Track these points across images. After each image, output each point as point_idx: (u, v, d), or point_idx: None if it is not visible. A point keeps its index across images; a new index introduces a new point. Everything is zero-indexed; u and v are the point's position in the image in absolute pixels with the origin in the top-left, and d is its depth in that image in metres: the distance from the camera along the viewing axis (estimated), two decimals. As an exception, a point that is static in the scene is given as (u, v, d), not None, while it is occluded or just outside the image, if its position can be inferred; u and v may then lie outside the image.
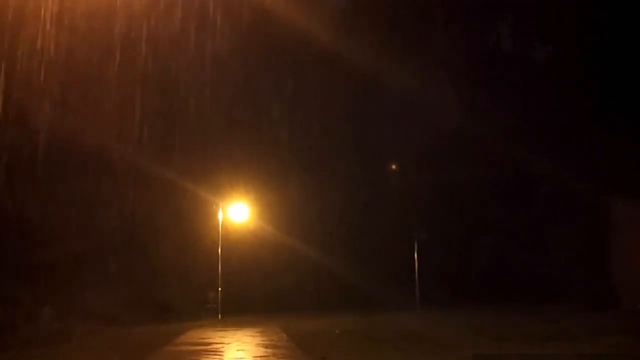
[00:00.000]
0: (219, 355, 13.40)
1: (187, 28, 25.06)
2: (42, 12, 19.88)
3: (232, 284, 25.48)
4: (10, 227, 20.01)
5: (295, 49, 27.99)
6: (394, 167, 30.80)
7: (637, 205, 21.93)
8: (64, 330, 17.45)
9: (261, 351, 13.77)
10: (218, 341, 15.97)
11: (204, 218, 26.95)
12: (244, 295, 26.19)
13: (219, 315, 24.74)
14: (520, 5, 28.10)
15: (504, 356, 11.87)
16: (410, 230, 26.72)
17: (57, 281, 20.52)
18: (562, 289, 24.56)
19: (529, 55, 29.59)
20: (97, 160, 23.29)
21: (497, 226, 27.83)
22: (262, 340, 15.99)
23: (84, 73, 22.45)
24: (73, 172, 22.56)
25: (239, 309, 25.33)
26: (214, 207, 26.53)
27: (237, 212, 27.29)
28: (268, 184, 27.69)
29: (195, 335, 17.95)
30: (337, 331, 17.44)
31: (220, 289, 25.24)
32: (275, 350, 13.79)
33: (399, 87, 27.60)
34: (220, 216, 26.31)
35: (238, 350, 14.28)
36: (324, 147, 29.85)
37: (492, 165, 27.81)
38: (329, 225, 28.55)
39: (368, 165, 29.97)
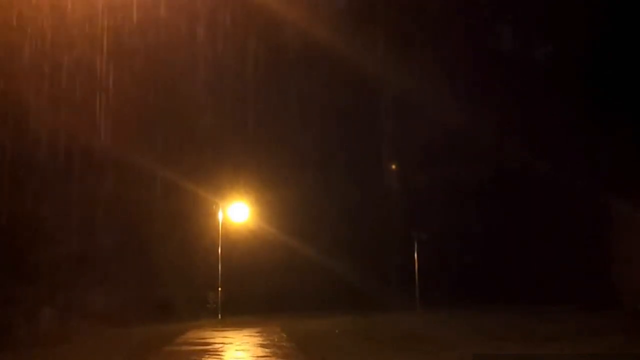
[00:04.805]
0: (219, 355, 13.41)
1: (188, 29, 25.09)
2: (40, 11, 19.89)
3: (232, 284, 25.46)
4: (10, 227, 20.01)
5: (295, 49, 28.00)
6: (394, 166, 30.80)
7: (637, 205, 21.94)
8: (64, 330, 17.45)
9: (261, 351, 13.77)
10: (218, 341, 15.97)
11: (204, 218, 26.94)
12: (244, 295, 26.15)
13: (219, 315, 24.74)
14: (520, 5, 28.10)
15: (504, 356, 11.87)
16: (410, 230, 26.71)
17: (57, 281, 20.52)
18: (562, 289, 24.54)
19: (529, 55, 29.60)
20: (97, 160, 23.31)
21: (497, 226, 27.81)
22: (262, 340, 15.99)
23: (84, 73, 22.46)
24: (73, 172, 22.57)
25: (239, 309, 25.32)
26: (214, 207, 26.52)
27: (237, 212, 27.28)
28: (268, 184, 27.68)
29: (195, 335, 17.95)
30: (337, 331, 17.45)
31: (220, 289, 25.24)
32: (275, 350, 13.80)
33: (399, 87, 27.60)
34: (220, 216, 26.31)
35: (238, 350, 14.28)
36: (323, 147, 29.85)
37: (492, 164, 27.80)
38: (329, 225, 28.53)
39: (368, 165, 29.96)
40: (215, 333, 18.56)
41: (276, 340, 15.90)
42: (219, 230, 26.03)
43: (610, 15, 23.64)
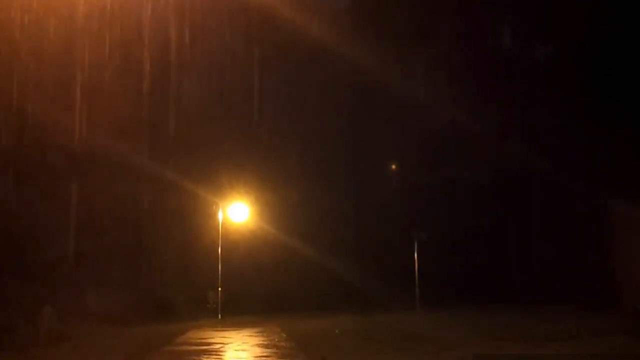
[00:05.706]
0: (219, 355, 13.41)
1: (188, 28, 25.09)
2: (40, 12, 19.91)
3: (232, 284, 25.46)
4: (10, 227, 20.01)
5: (296, 49, 27.99)
6: (394, 166, 30.80)
7: (637, 205, 21.92)
8: (64, 330, 17.44)
9: (261, 351, 13.77)
10: (218, 341, 15.97)
11: (204, 218, 26.94)
12: (244, 295, 26.17)
13: (219, 315, 24.74)
14: (520, 5, 28.10)
15: (504, 356, 11.87)
16: (410, 230, 26.69)
17: (57, 281, 20.52)
18: (562, 289, 24.53)
19: (529, 54, 29.59)
20: (98, 160, 23.32)
21: (497, 226, 27.80)
22: (262, 340, 15.99)
23: (85, 74, 22.49)
24: (73, 171, 22.58)
25: (239, 309, 25.33)
26: (214, 207, 26.52)
27: (237, 212, 27.27)
28: (268, 184, 27.68)
29: (195, 335, 17.95)
30: (337, 331, 17.44)
31: (220, 289, 25.24)
32: (275, 350, 13.80)
33: (400, 87, 27.60)
34: (220, 216, 26.31)
35: (238, 350, 14.27)
36: (323, 147, 29.86)
37: (492, 164, 27.80)
38: (329, 225, 28.54)
39: (368, 165, 29.95)
40: (215, 333, 18.56)
41: (276, 340, 15.91)
42: (219, 230, 26.03)
43: (610, 15, 23.63)
